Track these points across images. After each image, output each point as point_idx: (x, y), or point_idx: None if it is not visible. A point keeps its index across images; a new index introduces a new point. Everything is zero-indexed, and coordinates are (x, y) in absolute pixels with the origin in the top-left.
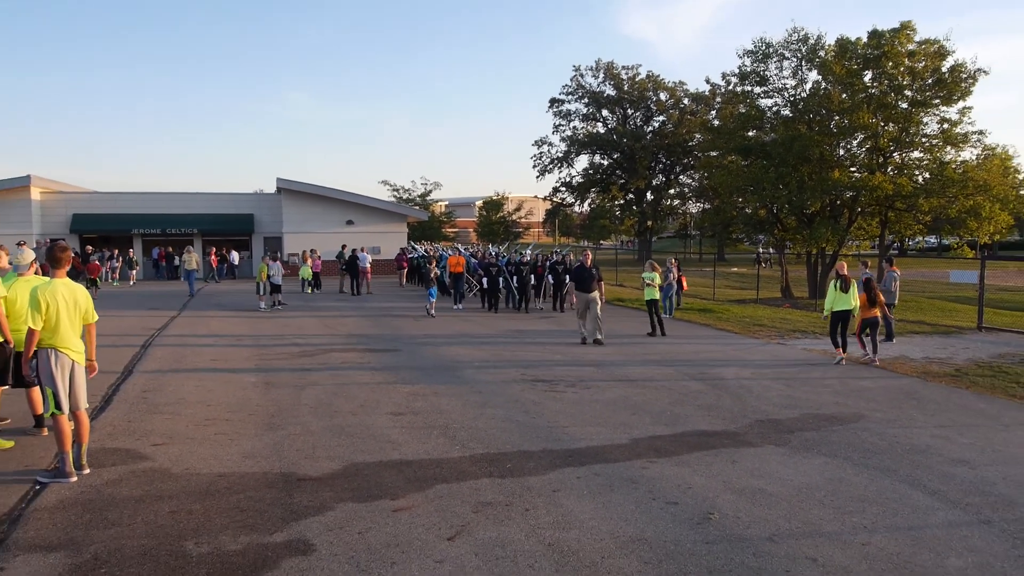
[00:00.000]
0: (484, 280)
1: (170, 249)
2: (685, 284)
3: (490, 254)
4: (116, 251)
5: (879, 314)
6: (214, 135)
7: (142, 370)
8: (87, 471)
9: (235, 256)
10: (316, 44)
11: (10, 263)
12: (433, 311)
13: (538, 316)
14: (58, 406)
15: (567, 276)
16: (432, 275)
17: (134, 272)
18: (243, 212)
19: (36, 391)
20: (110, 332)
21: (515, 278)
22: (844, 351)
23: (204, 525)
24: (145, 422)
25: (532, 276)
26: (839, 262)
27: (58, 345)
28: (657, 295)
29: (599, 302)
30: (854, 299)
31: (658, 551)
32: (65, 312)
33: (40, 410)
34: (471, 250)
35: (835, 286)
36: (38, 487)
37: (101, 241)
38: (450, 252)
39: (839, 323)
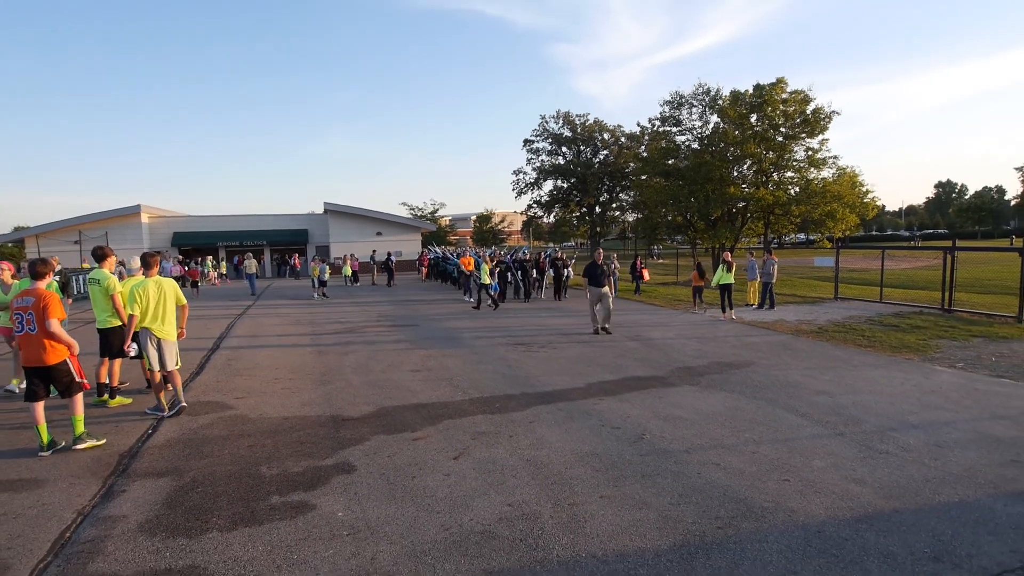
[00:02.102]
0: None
1: (247, 256)
2: (647, 276)
3: (500, 253)
4: (200, 258)
5: (703, 283)
6: (276, 169)
7: (226, 345)
8: (184, 404)
9: (295, 260)
10: (352, 100)
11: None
12: (497, 301)
13: (534, 303)
14: (151, 365)
15: (565, 270)
16: (496, 271)
17: (213, 273)
18: (299, 228)
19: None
20: (201, 317)
21: (520, 273)
22: (730, 310)
23: (274, 455)
24: (229, 382)
25: (535, 271)
26: (724, 252)
27: (149, 327)
28: (487, 280)
29: (611, 295)
30: (732, 277)
31: (605, 462)
32: (154, 302)
33: (150, 376)
34: (473, 251)
35: (723, 268)
36: (150, 431)
37: (194, 252)
38: (468, 253)
39: (725, 292)
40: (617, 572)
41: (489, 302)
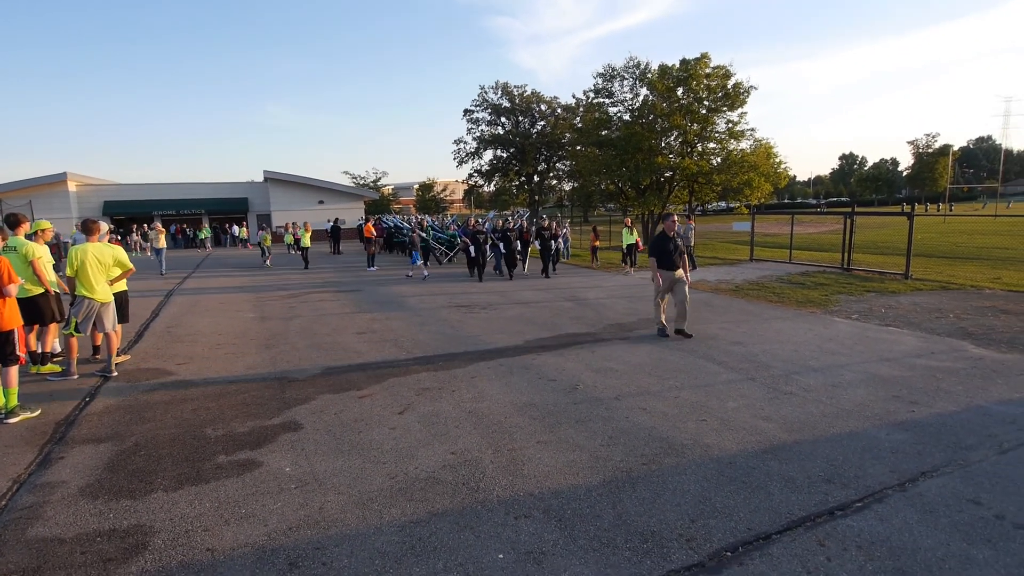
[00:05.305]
0: (471, 248)
1: (184, 226)
2: (640, 245)
3: (478, 222)
4: (134, 226)
5: (598, 244)
6: (215, 139)
7: (166, 313)
8: (115, 373)
9: (236, 229)
10: (291, 70)
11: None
12: (422, 273)
13: (517, 280)
14: (76, 329)
15: (554, 241)
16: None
17: (148, 245)
18: (239, 196)
19: (97, 332)
20: (140, 289)
21: (501, 245)
22: (631, 267)
23: (219, 416)
24: (170, 349)
25: (519, 242)
26: (626, 218)
27: (86, 294)
28: (300, 242)
29: (687, 281)
30: (635, 238)
31: (542, 411)
32: (91, 267)
33: (99, 342)
34: (441, 220)
35: (626, 231)
36: (87, 399)
37: (128, 221)
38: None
39: (629, 252)
40: (552, 507)
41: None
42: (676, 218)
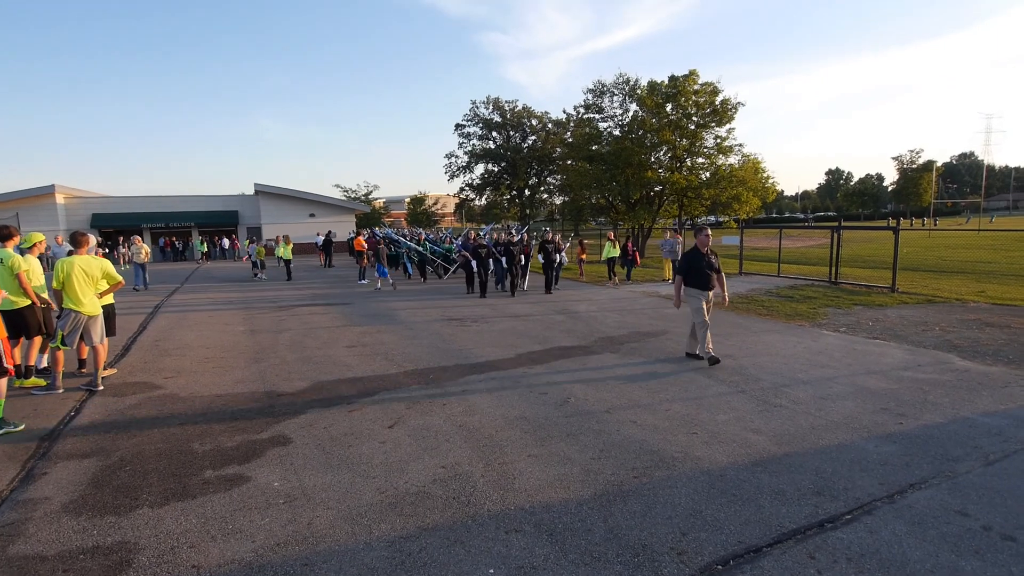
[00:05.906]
0: (473, 263)
1: (173, 239)
2: (639, 259)
3: (478, 236)
4: (121, 239)
5: (584, 257)
6: (205, 152)
7: (154, 327)
8: (102, 387)
9: (226, 242)
10: (282, 83)
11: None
12: (375, 285)
13: (518, 296)
14: (62, 342)
15: (558, 255)
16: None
17: (132, 256)
18: (230, 209)
19: (84, 345)
20: (127, 303)
21: (505, 259)
22: (615, 279)
23: (207, 431)
24: (157, 362)
25: (522, 256)
26: (608, 232)
27: (73, 307)
28: (289, 256)
29: (725, 301)
30: (617, 251)
31: (534, 424)
32: (79, 280)
33: (85, 355)
34: (437, 233)
35: (608, 245)
36: (72, 413)
37: (116, 235)
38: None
39: (611, 264)
40: (543, 521)
41: (380, 284)
42: (710, 231)
